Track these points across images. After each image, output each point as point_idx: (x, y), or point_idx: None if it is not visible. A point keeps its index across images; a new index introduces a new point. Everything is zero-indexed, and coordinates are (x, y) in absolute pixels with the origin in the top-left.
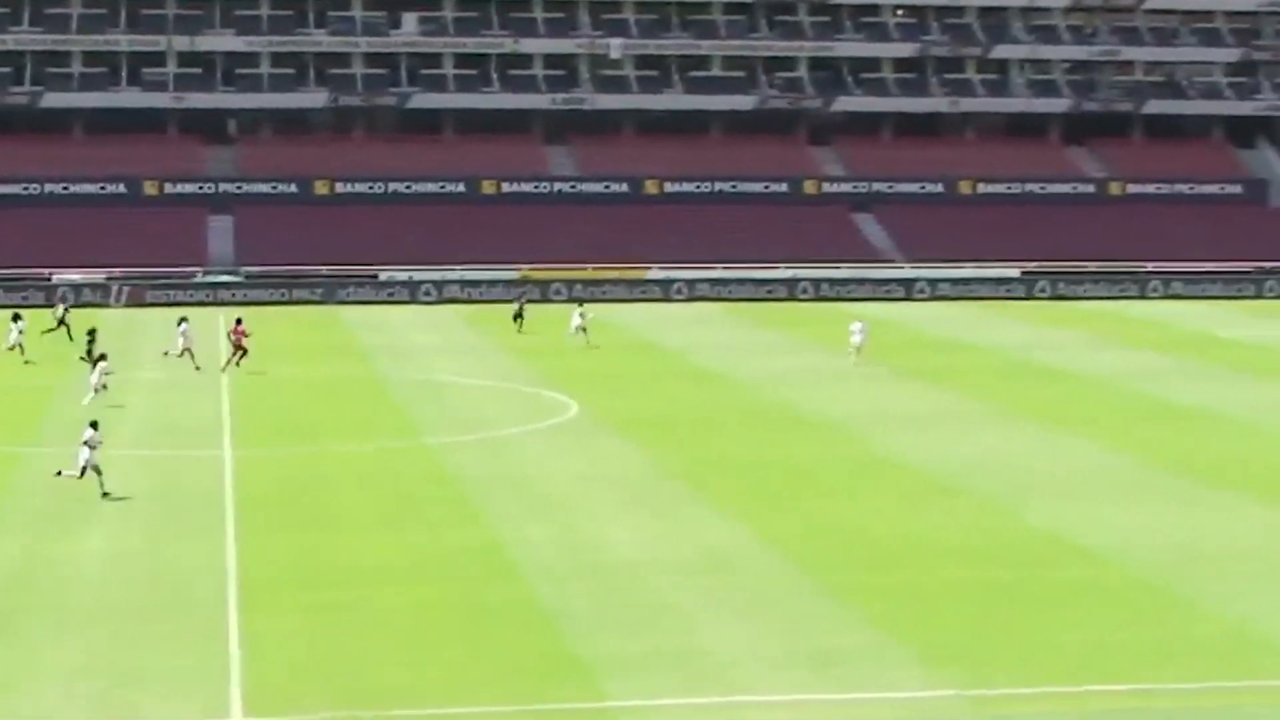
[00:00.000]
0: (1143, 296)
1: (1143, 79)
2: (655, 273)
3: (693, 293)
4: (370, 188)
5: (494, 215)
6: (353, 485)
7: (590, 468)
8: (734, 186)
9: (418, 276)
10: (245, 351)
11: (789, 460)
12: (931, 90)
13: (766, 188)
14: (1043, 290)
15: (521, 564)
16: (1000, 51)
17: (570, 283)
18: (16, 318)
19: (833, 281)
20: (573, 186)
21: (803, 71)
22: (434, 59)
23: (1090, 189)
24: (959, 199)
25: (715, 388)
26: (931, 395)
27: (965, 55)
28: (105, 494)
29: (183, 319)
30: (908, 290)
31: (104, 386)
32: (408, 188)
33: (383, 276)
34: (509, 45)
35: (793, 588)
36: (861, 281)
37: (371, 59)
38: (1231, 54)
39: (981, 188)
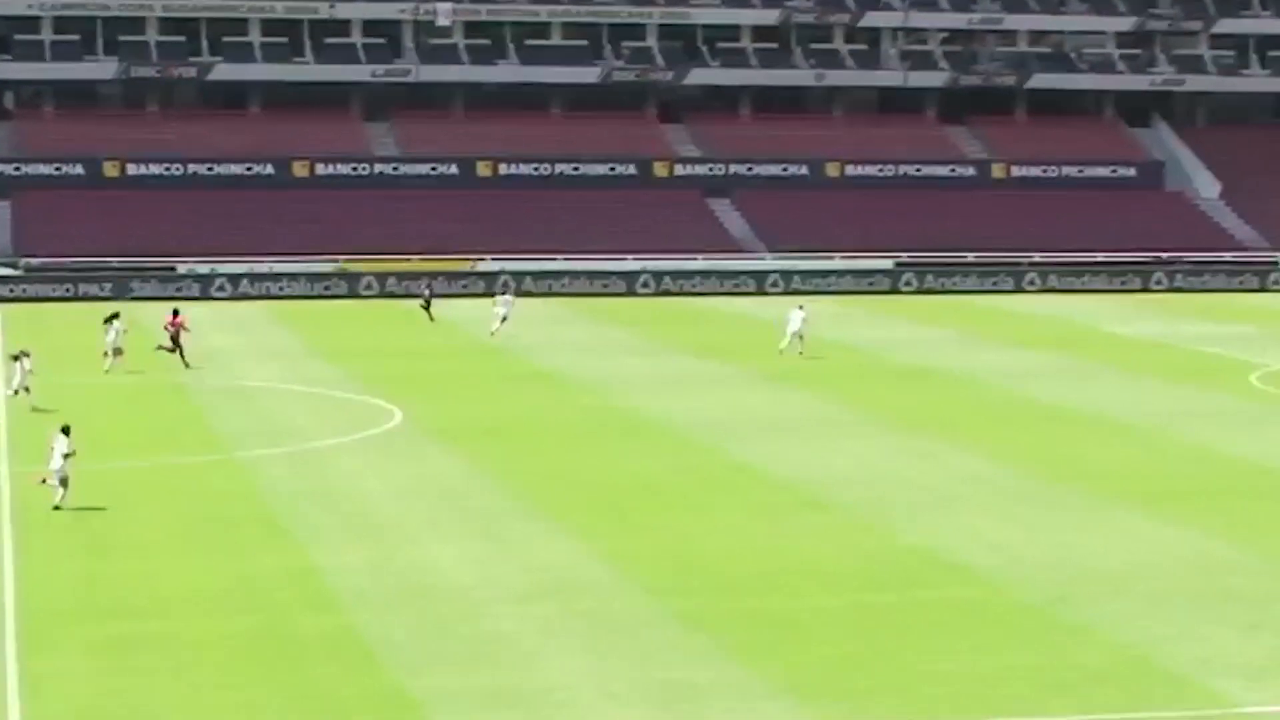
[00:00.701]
0: (1018, 290)
1: (1027, 50)
2: (488, 264)
3: (523, 287)
4: (167, 169)
5: (307, 200)
6: (149, 504)
7: (415, 483)
8: (576, 169)
9: (221, 269)
10: (179, 347)
11: (636, 472)
12: (795, 62)
13: (612, 170)
14: (908, 284)
15: (339, 590)
16: (871, 19)
17: (389, 275)
18: None
19: (676, 274)
20: (395, 169)
21: (652, 41)
22: (239, 25)
23: (970, 172)
24: (826, 183)
25: (554, 392)
26: (793, 400)
27: (832, 23)
28: (57, 507)
29: (114, 315)
30: (759, 284)
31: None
32: (209, 170)
33: (181, 269)
34: (324, 10)
35: (641, 615)
36: (707, 274)
37: (168, 25)
38: (1124, 23)
39: (850, 170)
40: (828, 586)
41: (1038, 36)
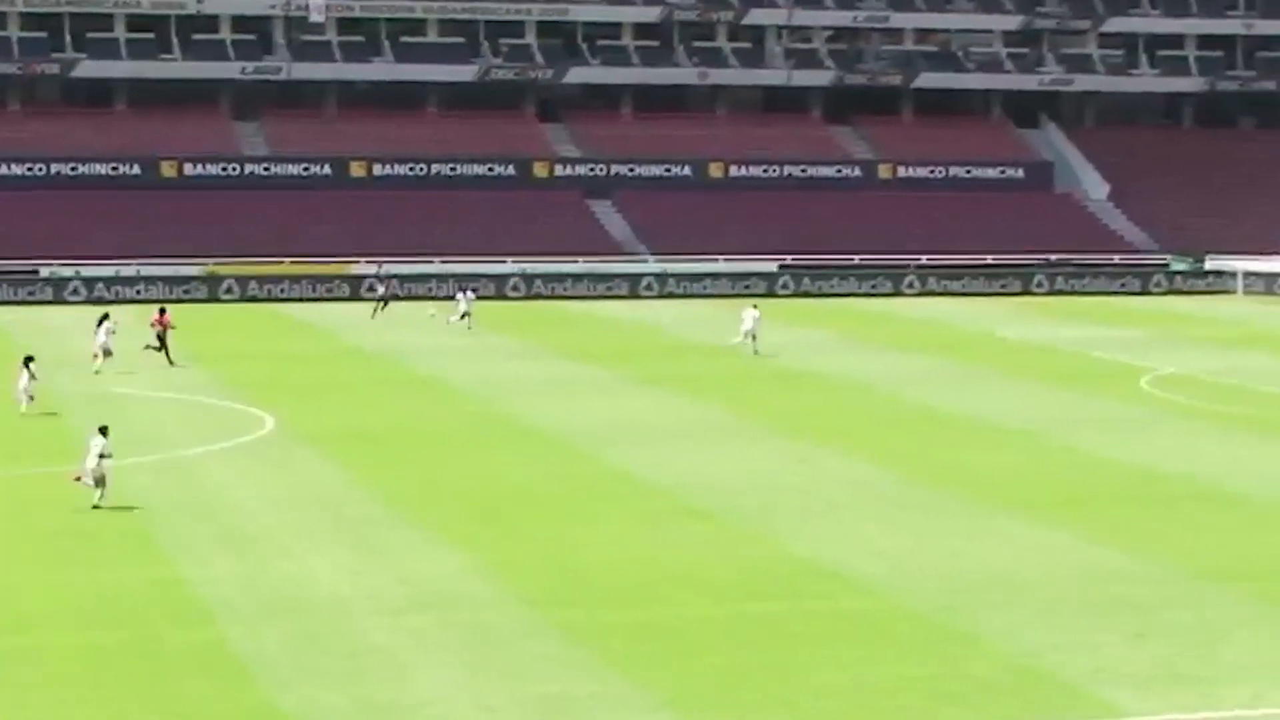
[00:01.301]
0: (896, 293)
1: (914, 49)
2: (362, 267)
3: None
4: (29, 169)
5: (175, 201)
6: (7, 515)
7: (287, 492)
8: (453, 169)
9: (86, 272)
10: (165, 345)
11: (515, 480)
12: (678, 60)
13: (490, 170)
14: (784, 286)
15: (208, 603)
16: (755, 17)
17: (250, 279)
18: None
19: (547, 277)
20: (266, 169)
21: (531, 38)
22: (103, 21)
23: (856, 172)
24: (709, 183)
25: (431, 398)
26: (673, 405)
27: (716, 21)
28: (96, 506)
29: (105, 315)
30: (633, 287)
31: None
32: (73, 169)
33: (44, 272)
34: (192, 6)
35: (519, 626)
36: (579, 277)
37: (30, 20)
38: (1012, 22)
39: (734, 171)
40: (711, 596)
41: (924, 35)
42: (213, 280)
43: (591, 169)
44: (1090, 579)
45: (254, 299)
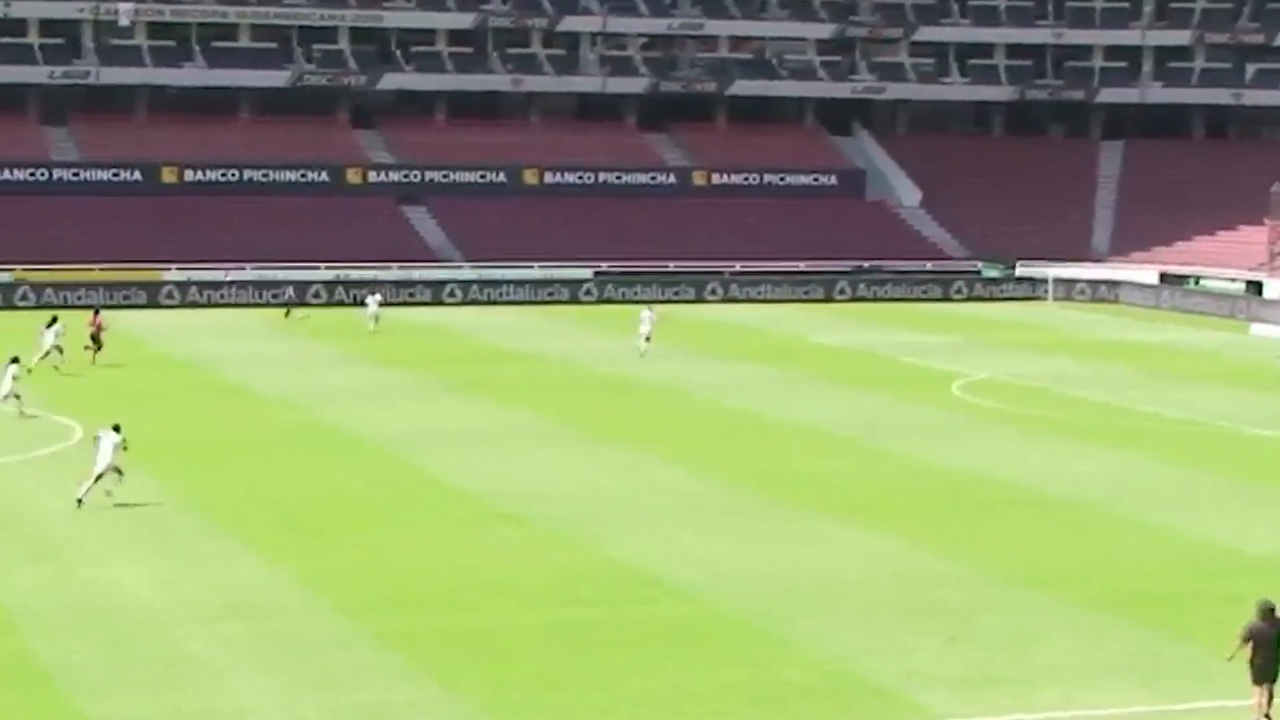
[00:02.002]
0: (699, 300)
1: (728, 56)
2: (174, 274)
3: (217, 298)
4: None
5: None
6: None
7: (98, 499)
8: (265, 175)
9: None
10: (100, 345)
11: (328, 488)
12: (492, 67)
13: (303, 176)
14: (588, 294)
15: (15, 613)
16: (569, 24)
17: (46, 286)
18: None
19: (349, 284)
20: (75, 174)
21: (345, 44)
22: None
23: (671, 179)
24: (524, 190)
25: (243, 406)
26: (487, 411)
27: (530, 28)
28: (108, 492)
29: (54, 319)
30: (435, 294)
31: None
32: None
33: None
34: None
35: (333, 634)
36: (380, 284)
37: None
38: (825, 30)
39: (549, 178)
40: (527, 602)
41: (738, 43)
42: (5, 288)
43: (405, 175)
44: (905, 584)
45: (48, 305)
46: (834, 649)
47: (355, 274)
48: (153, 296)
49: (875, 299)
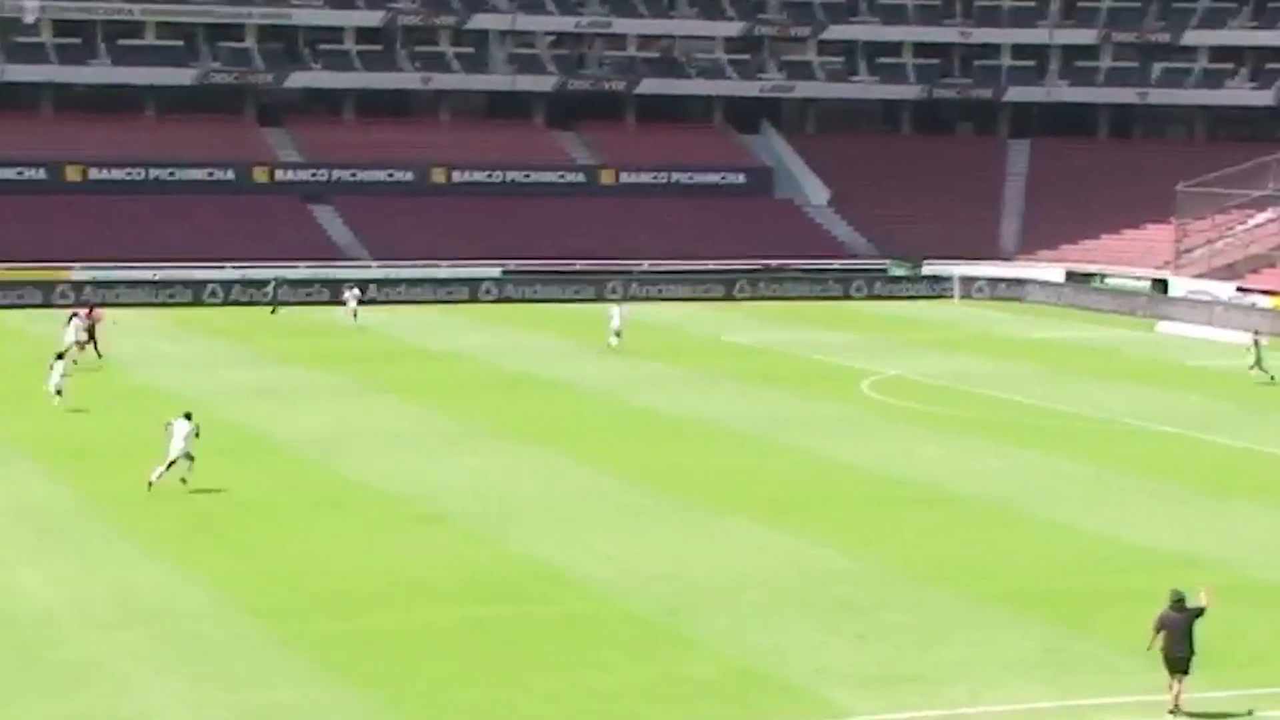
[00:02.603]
0: (599, 299)
1: (636, 55)
2: (78, 273)
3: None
4: None
5: None
6: None
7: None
8: (171, 173)
9: None
10: (94, 339)
11: (235, 488)
12: (400, 65)
13: (210, 175)
14: (488, 292)
15: None
16: (478, 22)
17: None
18: None
19: (245, 284)
20: None
21: (251, 41)
22: None
23: (579, 177)
24: (431, 188)
25: (146, 406)
26: (398, 411)
27: (438, 25)
28: (183, 479)
29: (75, 314)
30: (334, 294)
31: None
32: None
33: None
34: None
35: (238, 637)
36: (280, 283)
37: None
38: (733, 28)
39: (457, 176)
40: (434, 602)
41: (646, 41)
42: None
43: (313, 174)
44: (812, 581)
45: None
46: (741, 646)
47: (260, 273)
48: (49, 296)
49: (783, 298)
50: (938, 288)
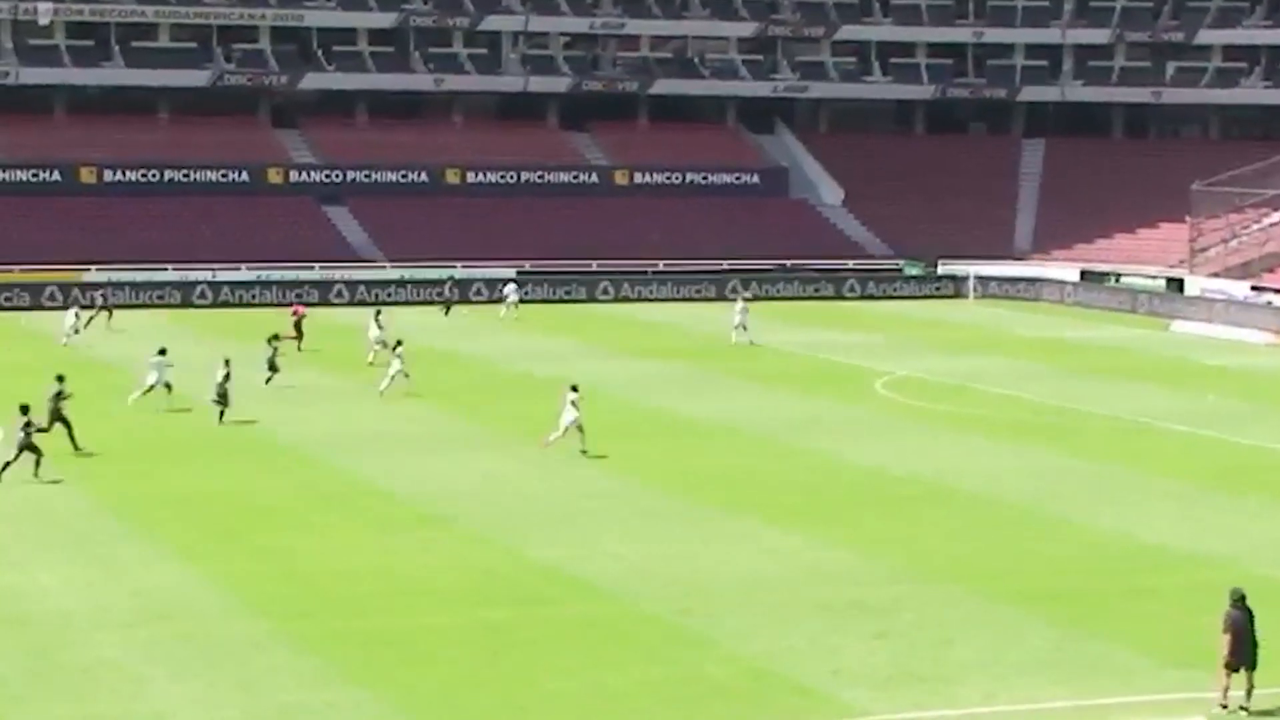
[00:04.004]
0: (621, 299)
1: (650, 56)
2: (94, 275)
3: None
4: None
5: None
6: None
7: (13, 505)
8: (186, 175)
9: None
10: (301, 334)
11: (245, 491)
12: (414, 66)
13: (224, 176)
14: (479, 293)
15: None
16: (491, 23)
17: None
18: None
19: (234, 285)
20: None
21: (265, 43)
22: None
23: (593, 179)
24: (445, 190)
25: (158, 409)
26: (408, 413)
27: (451, 27)
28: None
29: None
30: (323, 294)
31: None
32: None
33: None
34: None
35: (251, 638)
36: (267, 284)
37: None
38: (746, 28)
39: (471, 177)
40: (446, 604)
41: (660, 42)
42: None
43: (327, 175)
44: (826, 581)
45: None
46: (755, 647)
47: (276, 274)
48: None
49: (797, 298)
50: (952, 287)
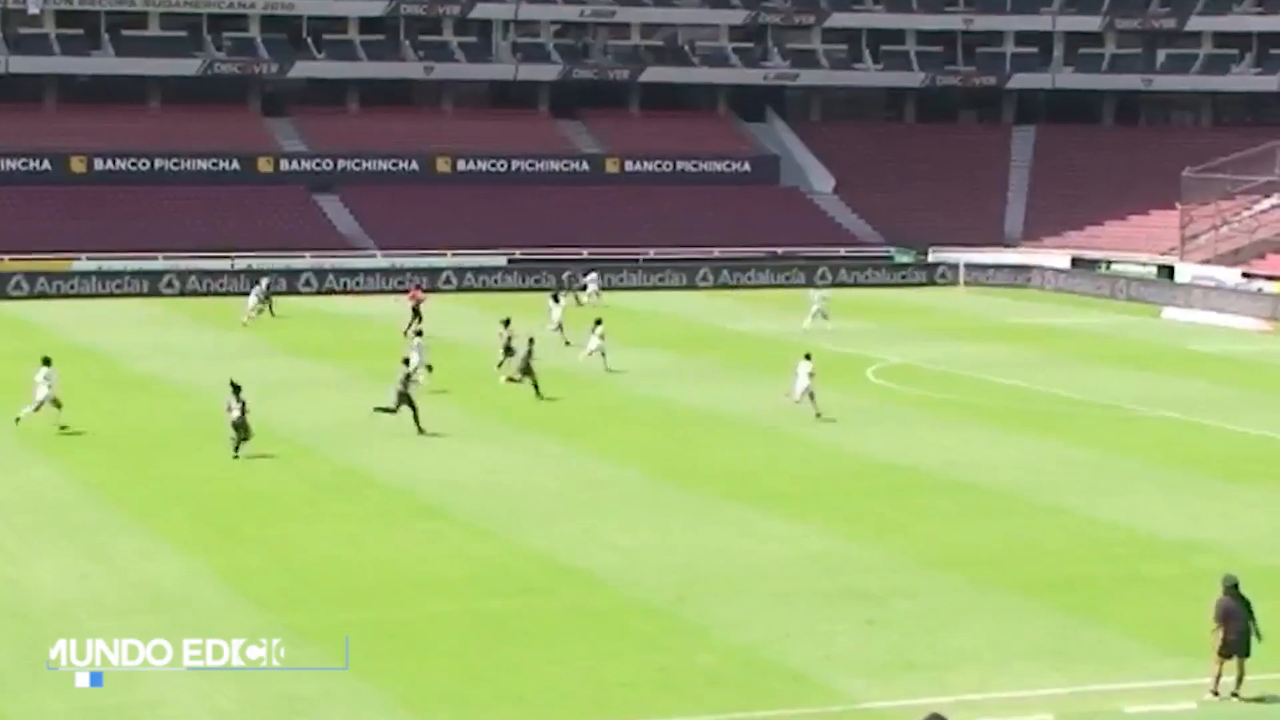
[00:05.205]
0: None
1: (640, 43)
2: (84, 264)
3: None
4: None
5: None
6: None
7: (8, 495)
8: (176, 164)
9: None
10: (420, 316)
11: (244, 480)
12: (404, 54)
13: (214, 165)
14: (448, 282)
15: None
16: (482, 11)
17: None
18: None
19: (200, 274)
20: None
21: (255, 31)
22: None
23: (584, 166)
24: (436, 178)
25: (155, 398)
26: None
27: (442, 15)
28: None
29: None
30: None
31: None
32: None
33: None
34: None
35: (248, 628)
36: (235, 274)
37: None
38: (737, 16)
39: (461, 165)
40: (445, 594)
41: (650, 30)
42: None
43: (317, 164)
44: (821, 569)
45: None
46: (750, 635)
47: (267, 263)
48: (60, 286)
49: (788, 285)
50: (943, 275)
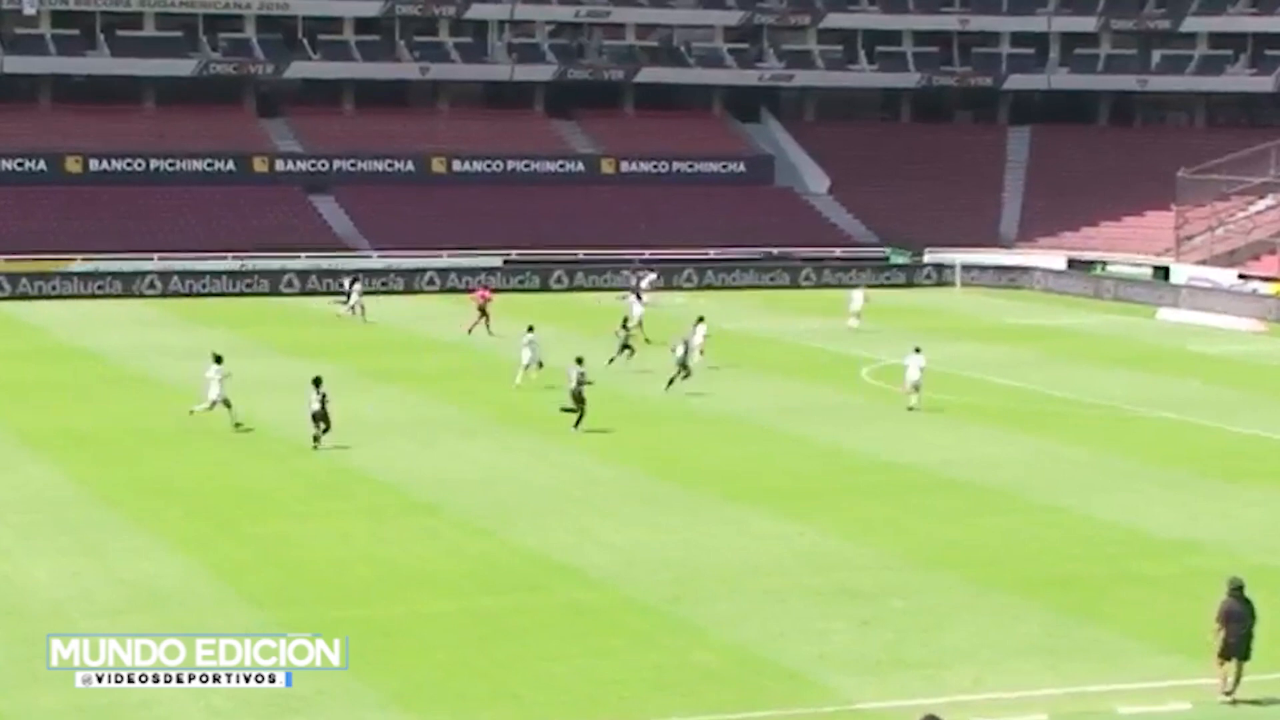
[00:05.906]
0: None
1: (636, 44)
2: (80, 264)
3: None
4: None
5: None
6: None
7: (6, 492)
8: (171, 164)
9: None
10: (487, 316)
11: (237, 478)
12: (399, 55)
13: (210, 165)
14: (431, 281)
15: None
16: (477, 11)
17: None
18: None
19: (184, 274)
20: None
21: (250, 32)
22: None
23: (579, 167)
24: (431, 178)
25: (146, 397)
26: (401, 401)
27: (438, 15)
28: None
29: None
30: (272, 284)
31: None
32: None
33: None
34: None
35: (241, 625)
36: (218, 274)
37: None
38: (732, 17)
39: (457, 165)
40: (439, 591)
41: (646, 30)
42: None
43: (313, 164)
44: (815, 568)
45: None
46: (745, 633)
47: (262, 264)
48: (57, 287)
49: (783, 286)
50: (938, 276)
